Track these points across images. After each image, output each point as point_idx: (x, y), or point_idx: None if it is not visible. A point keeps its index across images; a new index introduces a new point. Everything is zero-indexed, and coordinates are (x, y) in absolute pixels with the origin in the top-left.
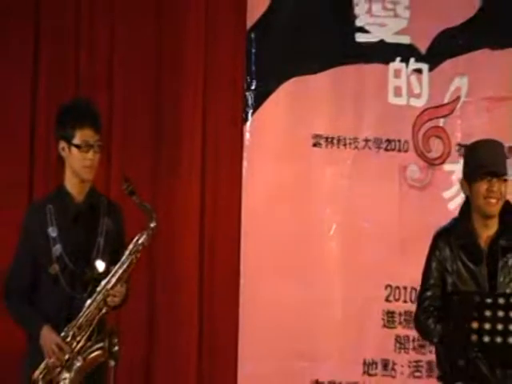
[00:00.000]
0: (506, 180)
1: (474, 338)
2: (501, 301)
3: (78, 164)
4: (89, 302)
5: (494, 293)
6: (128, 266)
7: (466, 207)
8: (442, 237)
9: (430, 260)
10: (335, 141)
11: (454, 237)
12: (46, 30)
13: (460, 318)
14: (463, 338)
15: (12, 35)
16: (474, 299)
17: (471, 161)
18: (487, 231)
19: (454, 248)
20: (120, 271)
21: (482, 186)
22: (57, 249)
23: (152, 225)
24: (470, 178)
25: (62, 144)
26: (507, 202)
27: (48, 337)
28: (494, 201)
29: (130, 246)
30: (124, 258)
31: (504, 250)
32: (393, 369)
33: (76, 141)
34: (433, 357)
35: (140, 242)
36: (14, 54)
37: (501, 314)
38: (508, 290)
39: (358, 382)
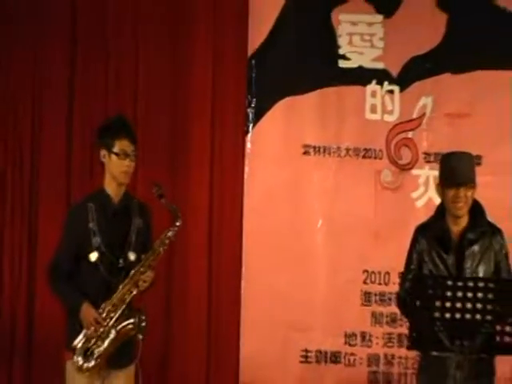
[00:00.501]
0: (473, 187)
1: (438, 314)
2: (460, 283)
3: (116, 169)
4: (122, 284)
5: (451, 277)
6: (157, 256)
7: (442, 207)
8: (421, 232)
9: (411, 251)
10: (321, 150)
11: (430, 231)
12: (81, 43)
13: (428, 297)
14: (429, 315)
15: (50, 50)
16: (440, 282)
17: (444, 170)
18: (457, 227)
19: (430, 240)
20: (150, 259)
21: (451, 193)
22: (96, 240)
23: (178, 223)
24: (442, 184)
25: (103, 152)
26: (476, 202)
27: (87, 311)
28: (460, 204)
29: (160, 239)
30: (154, 249)
31: (471, 242)
32: (369, 340)
33: (115, 149)
34: (403, 329)
35: (167, 236)
36: (53, 63)
37: (459, 294)
38: (475, 274)
39: (340, 350)
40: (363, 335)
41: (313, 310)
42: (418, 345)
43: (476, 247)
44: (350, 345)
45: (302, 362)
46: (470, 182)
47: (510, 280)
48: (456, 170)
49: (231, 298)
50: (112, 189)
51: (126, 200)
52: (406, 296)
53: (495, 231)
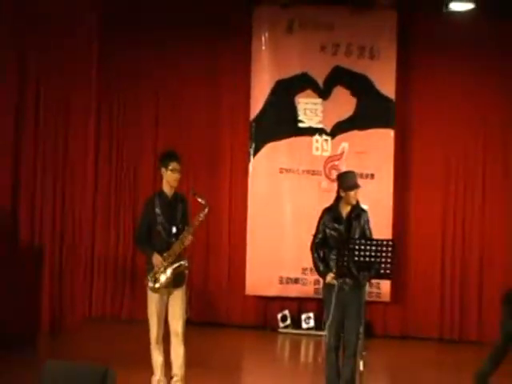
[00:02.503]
0: (358, 189)
1: (347, 257)
2: (358, 241)
3: (170, 179)
4: (175, 243)
5: (350, 237)
6: (194, 227)
7: (337, 199)
8: (325, 211)
9: (319, 222)
10: (289, 171)
11: (331, 211)
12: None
13: (339, 248)
14: (343, 257)
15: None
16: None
17: (346, 181)
18: (345, 210)
19: (331, 217)
20: (190, 229)
21: (352, 193)
22: (160, 218)
23: (206, 210)
24: (346, 189)
25: (163, 169)
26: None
27: (156, 258)
28: (356, 198)
29: (196, 218)
30: (192, 223)
31: (354, 218)
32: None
33: (170, 167)
34: None
35: (200, 216)
36: (147, 107)
37: (363, 247)
38: (355, 236)
39: (299, 277)
40: (311, 269)
41: (285, 255)
42: (340, 274)
43: (356, 222)
44: (304, 274)
45: (279, 283)
46: (359, 187)
47: (384, 240)
48: (354, 181)
49: (240, 248)
50: (167, 189)
51: (174, 195)
52: (315, 252)
53: (364, 212)
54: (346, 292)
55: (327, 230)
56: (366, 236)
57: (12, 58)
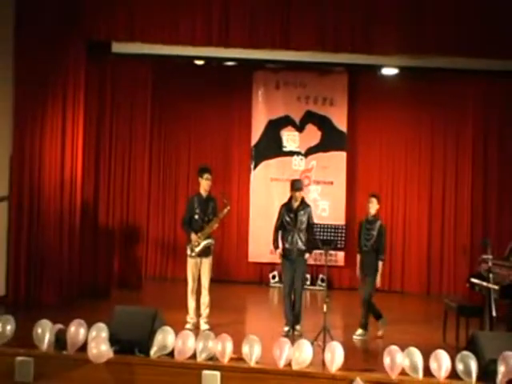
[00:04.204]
0: (302, 191)
1: (313, 235)
2: (322, 226)
3: (205, 185)
4: (206, 226)
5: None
6: (219, 218)
7: (291, 197)
8: (283, 206)
9: (279, 212)
10: (278, 179)
11: (286, 205)
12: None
13: (290, 230)
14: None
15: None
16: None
17: (292, 185)
18: (296, 204)
19: (286, 209)
20: (217, 219)
21: (297, 193)
22: (197, 211)
23: (228, 207)
24: (291, 190)
25: (199, 178)
26: (302, 196)
27: (193, 236)
28: (295, 195)
29: (221, 212)
30: (218, 216)
31: (299, 210)
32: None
33: (205, 177)
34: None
35: (223, 212)
36: (185, 133)
37: (329, 230)
38: (303, 222)
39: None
40: None
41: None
42: (311, 248)
43: (300, 212)
44: None
45: (270, 254)
46: (301, 189)
47: (339, 225)
48: (296, 186)
49: (244, 231)
50: (202, 192)
51: (208, 196)
52: (275, 233)
53: (308, 206)
54: (293, 259)
55: (283, 218)
56: (310, 222)
57: (95, 109)
